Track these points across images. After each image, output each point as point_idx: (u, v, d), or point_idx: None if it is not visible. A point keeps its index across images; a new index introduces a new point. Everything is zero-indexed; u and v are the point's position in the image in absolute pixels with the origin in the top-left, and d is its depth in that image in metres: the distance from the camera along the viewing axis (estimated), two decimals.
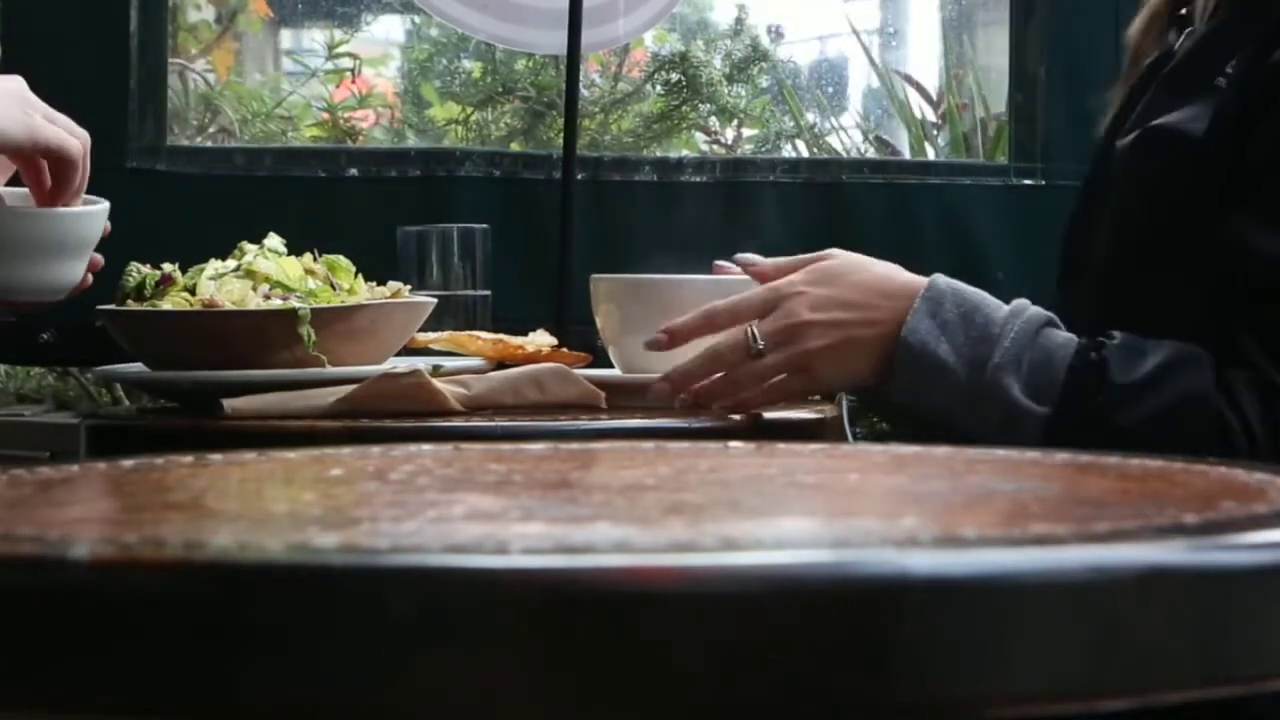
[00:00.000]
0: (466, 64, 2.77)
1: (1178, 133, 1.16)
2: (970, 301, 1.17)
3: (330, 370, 1.33)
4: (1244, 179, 1.12)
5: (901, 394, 1.18)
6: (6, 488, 0.69)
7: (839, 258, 1.22)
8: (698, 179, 2.44)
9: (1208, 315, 1.13)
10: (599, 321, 1.48)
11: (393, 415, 1.27)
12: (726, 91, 2.73)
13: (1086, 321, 1.17)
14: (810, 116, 2.90)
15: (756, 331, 1.20)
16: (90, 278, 1.33)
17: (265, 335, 1.33)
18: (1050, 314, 1.16)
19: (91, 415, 1.62)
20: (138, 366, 1.43)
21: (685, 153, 2.75)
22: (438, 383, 1.29)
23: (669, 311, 1.29)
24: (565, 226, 1.99)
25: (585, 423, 1.26)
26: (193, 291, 1.38)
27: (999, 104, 2.49)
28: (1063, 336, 1.15)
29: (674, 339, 1.24)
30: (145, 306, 1.38)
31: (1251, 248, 1.11)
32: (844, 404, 1.42)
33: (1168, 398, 1.10)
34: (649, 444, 0.87)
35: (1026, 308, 1.17)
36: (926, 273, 1.33)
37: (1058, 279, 1.31)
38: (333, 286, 1.40)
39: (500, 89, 2.72)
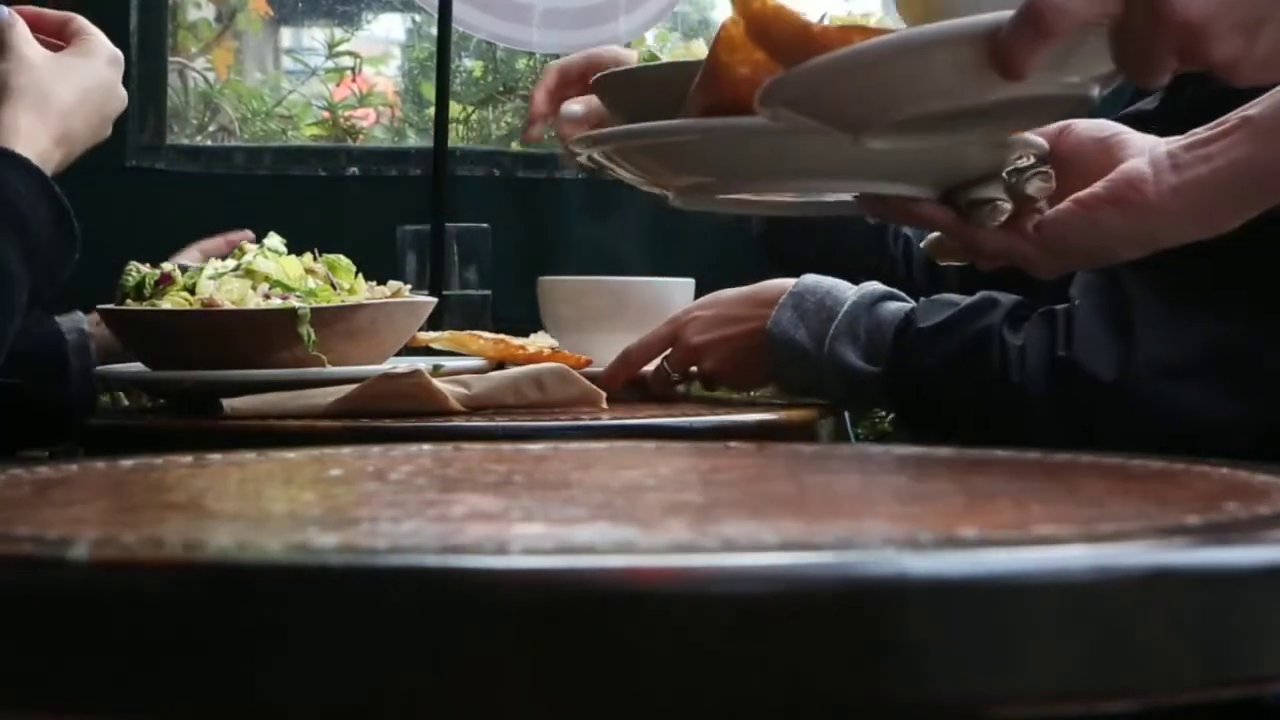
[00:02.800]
0: (467, 63, 2.77)
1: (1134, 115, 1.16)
2: (828, 290, 1.29)
3: (330, 370, 1.33)
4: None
5: (778, 382, 1.34)
6: (5, 488, 0.69)
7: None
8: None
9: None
10: (545, 320, 1.60)
11: (393, 415, 1.27)
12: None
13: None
14: None
15: (667, 365, 1.39)
16: None
17: (265, 335, 1.33)
18: (892, 289, 1.28)
19: (91, 415, 1.62)
20: (137, 366, 1.43)
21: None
22: (438, 383, 1.29)
23: (610, 311, 1.51)
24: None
25: (585, 423, 1.26)
26: (192, 291, 1.38)
27: None
28: (897, 305, 1.25)
29: (609, 383, 1.38)
30: (145, 306, 1.38)
31: None
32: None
33: (960, 336, 1.19)
34: (650, 444, 0.87)
35: (870, 285, 1.28)
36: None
37: None
38: (333, 286, 1.40)
39: (501, 88, 2.72)
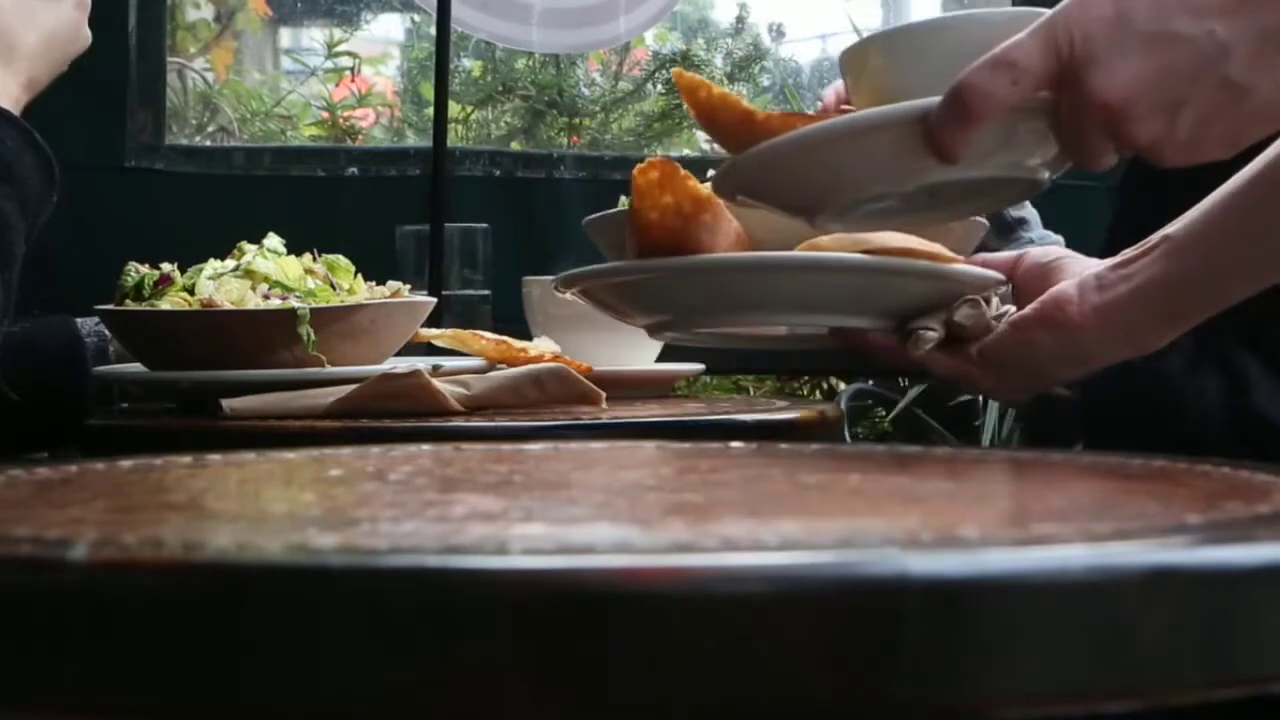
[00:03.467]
0: (466, 63, 2.78)
1: None
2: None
3: (330, 370, 1.33)
4: None
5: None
6: (5, 488, 0.69)
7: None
8: (698, 178, 2.44)
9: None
10: (532, 321, 1.61)
11: (392, 415, 1.27)
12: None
13: None
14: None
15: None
16: None
17: (264, 335, 1.33)
18: None
19: (90, 415, 1.62)
20: (137, 366, 1.43)
21: (686, 152, 2.75)
22: (437, 383, 1.29)
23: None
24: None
25: (585, 423, 1.26)
26: (191, 291, 1.38)
27: None
28: None
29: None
30: (144, 306, 1.38)
31: None
32: (844, 405, 1.42)
33: (1139, 378, 1.11)
34: (649, 444, 0.87)
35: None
36: None
37: None
38: (332, 286, 1.40)
39: (500, 88, 2.72)
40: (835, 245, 1.07)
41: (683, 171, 1.08)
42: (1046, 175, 0.90)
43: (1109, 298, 0.97)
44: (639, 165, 1.10)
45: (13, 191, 1.18)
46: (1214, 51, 0.74)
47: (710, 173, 1.07)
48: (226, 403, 1.28)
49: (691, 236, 1.08)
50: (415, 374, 1.27)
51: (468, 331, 1.49)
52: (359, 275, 1.44)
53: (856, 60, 1.00)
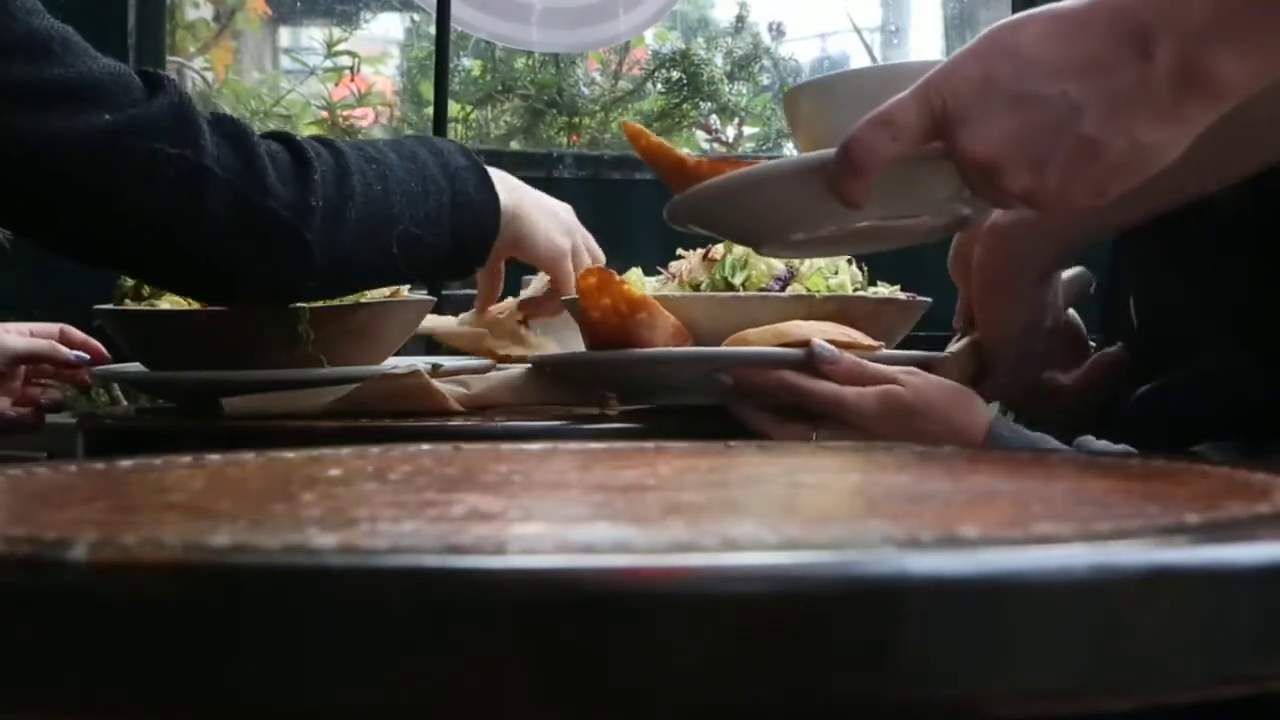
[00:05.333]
0: (466, 62, 2.78)
1: None
2: (1033, 441, 1.16)
3: (330, 370, 1.33)
4: None
5: None
6: (4, 488, 0.69)
7: (911, 392, 1.20)
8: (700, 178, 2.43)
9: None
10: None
11: (392, 415, 1.27)
12: (727, 89, 2.73)
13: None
14: None
15: (816, 436, 1.23)
16: None
17: (264, 335, 1.33)
18: (1125, 446, 1.13)
19: (89, 415, 1.62)
20: (136, 366, 1.43)
21: (686, 150, 2.75)
22: (437, 383, 1.29)
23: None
24: None
25: (585, 423, 1.26)
26: None
27: None
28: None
29: (740, 387, 1.25)
30: (143, 306, 1.38)
31: None
32: None
33: None
34: (649, 444, 0.87)
35: (1095, 442, 1.15)
36: (925, 272, 1.33)
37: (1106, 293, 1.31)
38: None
39: (500, 87, 2.72)
40: (759, 337, 1.25)
41: (619, 277, 1.29)
42: (969, 211, 0.95)
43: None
44: (581, 271, 1.32)
45: (446, 173, 1.32)
46: (1070, 111, 0.78)
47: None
48: (227, 402, 1.28)
49: (631, 332, 1.27)
50: (415, 374, 1.28)
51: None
52: None
53: (792, 104, 1.09)
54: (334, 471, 0.76)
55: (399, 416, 1.26)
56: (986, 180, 0.82)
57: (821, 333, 1.23)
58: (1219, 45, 0.76)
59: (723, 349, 1.26)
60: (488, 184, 1.37)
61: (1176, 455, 0.75)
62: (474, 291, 1.77)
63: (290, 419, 1.27)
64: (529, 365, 1.40)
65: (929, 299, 1.37)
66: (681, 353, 1.27)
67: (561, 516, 0.58)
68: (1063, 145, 0.79)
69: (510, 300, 1.56)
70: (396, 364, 1.36)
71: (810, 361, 1.21)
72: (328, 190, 1.23)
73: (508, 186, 1.42)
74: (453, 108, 2.46)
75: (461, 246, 1.35)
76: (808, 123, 1.07)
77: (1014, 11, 0.88)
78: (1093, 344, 1.34)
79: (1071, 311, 1.32)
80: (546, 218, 1.48)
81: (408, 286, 1.49)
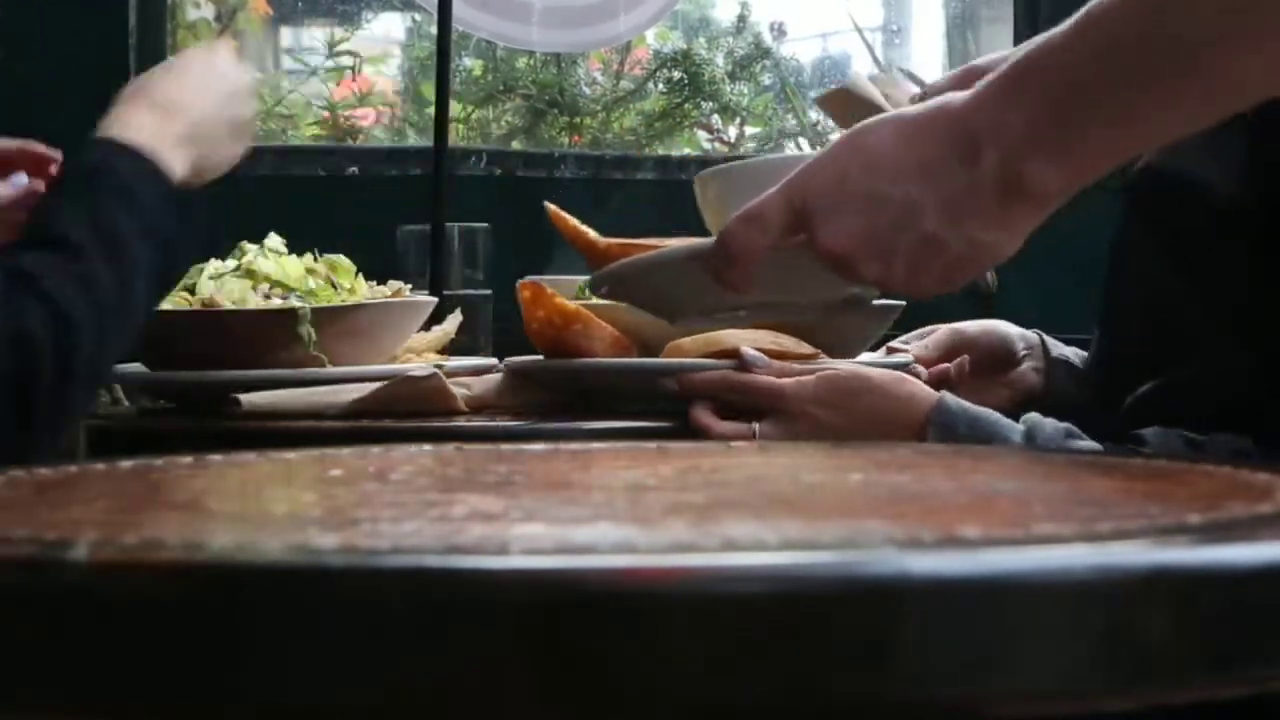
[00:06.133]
0: (467, 62, 2.77)
1: (1189, 179, 1.16)
2: (980, 416, 1.17)
3: (330, 369, 1.33)
4: None
5: None
6: (5, 489, 0.69)
7: (844, 373, 1.23)
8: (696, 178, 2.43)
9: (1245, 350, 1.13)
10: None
11: (397, 415, 1.27)
12: (729, 89, 2.73)
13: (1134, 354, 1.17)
14: (813, 114, 2.90)
15: (758, 429, 1.24)
16: None
17: (265, 335, 1.33)
18: (1069, 425, 1.15)
19: (91, 416, 1.62)
20: (136, 366, 1.43)
21: (687, 151, 2.75)
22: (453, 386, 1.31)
23: None
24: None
25: (586, 423, 1.26)
26: (192, 291, 1.38)
27: None
28: (1086, 445, 1.13)
29: (682, 388, 1.28)
30: None
31: None
32: None
33: None
34: (650, 444, 0.87)
35: (1043, 420, 1.15)
36: None
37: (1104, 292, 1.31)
38: (333, 286, 1.40)
39: (501, 87, 2.72)
40: (693, 346, 1.31)
41: (549, 291, 1.37)
42: (859, 289, 1.01)
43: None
44: (520, 282, 1.41)
45: (136, 216, 1.15)
46: (912, 210, 0.85)
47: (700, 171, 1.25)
48: (245, 398, 1.28)
49: (569, 342, 1.35)
50: (434, 376, 1.28)
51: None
52: (359, 275, 1.44)
53: (700, 189, 1.24)
54: (335, 472, 0.76)
55: (402, 417, 1.26)
56: (844, 269, 0.88)
57: (753, 341, 1.27)
58: (1034, 156, 0.82)
59: (663, 360, 1.33)
60: (185, 217, 1.24)
61: (1128, 449, 0.75)
62: (474, 292, 1.77)
63: (304, 418, 1.27)
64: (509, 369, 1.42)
65: (901, 302, 1.37)
66: (622, 364, 1.34)
67: (562, 517, 0.58)
68: (907, 241, 0.86)
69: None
70: (409, 367, 1.36)
71: (742, 369, 1.25)
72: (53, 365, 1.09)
73: (186, 146, 1.24)
74: (454, 108, 2.46)
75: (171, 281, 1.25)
76: (713, 206, 1.20)
77: (1015, 14, 0.89)
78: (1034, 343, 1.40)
79: (997, 324, 1.39)
80: (223, 138, 1.29)
81: (409, 286, 1.49)
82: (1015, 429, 1.15)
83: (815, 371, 1.23)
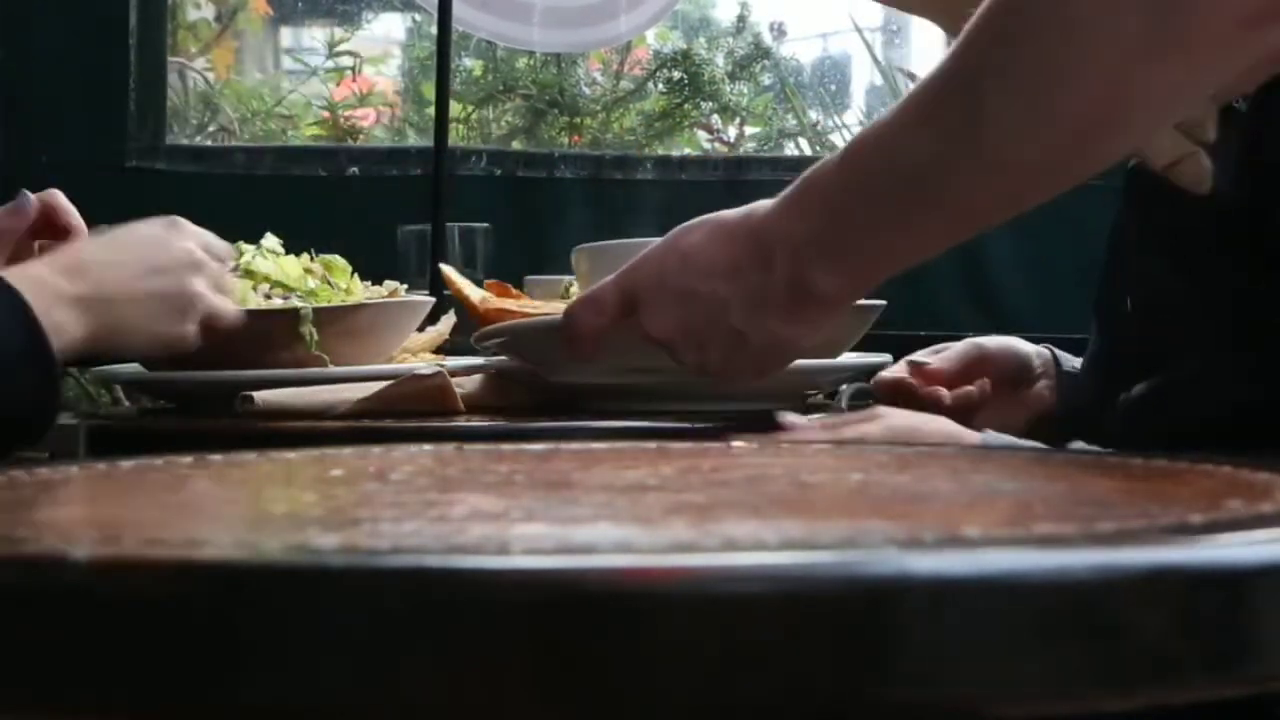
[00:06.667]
0: (467, 62, 2.77)
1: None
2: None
3: (331, 370, 1.33)
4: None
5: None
6: (5, 488, 0.69)
7: (900, 416, 1.22)
8: (700, 177, 2.44)
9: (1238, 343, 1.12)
10: None
11: (397, 415, 1.27)
12: (729, 89, 2.73)
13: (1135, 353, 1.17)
14: (813, 114, 2.91)
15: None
16: None
17: (266, 335, 1.33)
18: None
19: (91, 416, 1.62)
20: (137, 367, 1.43)
21: (687, 151, 2.75)
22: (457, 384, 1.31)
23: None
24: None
25: (586, 423, 1.26)
26: None
27: None
28: None
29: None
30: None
31: None
32: (844, 405, 1.43)
33: None
34: (651, 444, 0.87)
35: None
36: (926, 274, 1.34)
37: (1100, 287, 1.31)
38: (330, 286, 1.40)
39: (501, 87, 2.72)
40: None
41: (502, 307, 1.39)
42: None
43: None
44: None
45: None
46: (719, 306, 0.93)
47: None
48: (259, 395, 1.28)
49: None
50: (439, 375, 1.28)
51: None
52: (355, 275, 1.44)
53: (576, 262, 1.37)
54: (335, 471, 0.76)
55: (402, 417, 1.26)
56: (670, 351, 0.97)
57: None
58: (816, 263, 0.89)
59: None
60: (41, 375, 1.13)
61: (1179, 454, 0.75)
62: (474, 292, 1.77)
63: (314, 417, 1.27)
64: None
65: (881, 301, 1.37)
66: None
67: (563, 517, 0.58)
68: (717, 333, 0.94)
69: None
70: (416, 366, 1.36)
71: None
72: None
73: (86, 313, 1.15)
74: (454, 108, 2.46)
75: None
76: (584, 279, 1.30)
77: None
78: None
79: (1014, 342, 1.40)
80: (142, 312, 1.21)
81: (405, 286, 1.49)
82: None
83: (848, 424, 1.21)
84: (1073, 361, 1.45)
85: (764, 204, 0.93)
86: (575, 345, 1.01)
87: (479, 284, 1.79)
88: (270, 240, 1.44)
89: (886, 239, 0.89)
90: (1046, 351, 1.47)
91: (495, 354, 1.29)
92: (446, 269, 1.46)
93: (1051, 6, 0.79)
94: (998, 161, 0.82)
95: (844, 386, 1.43)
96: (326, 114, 2.78)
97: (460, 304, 1.59)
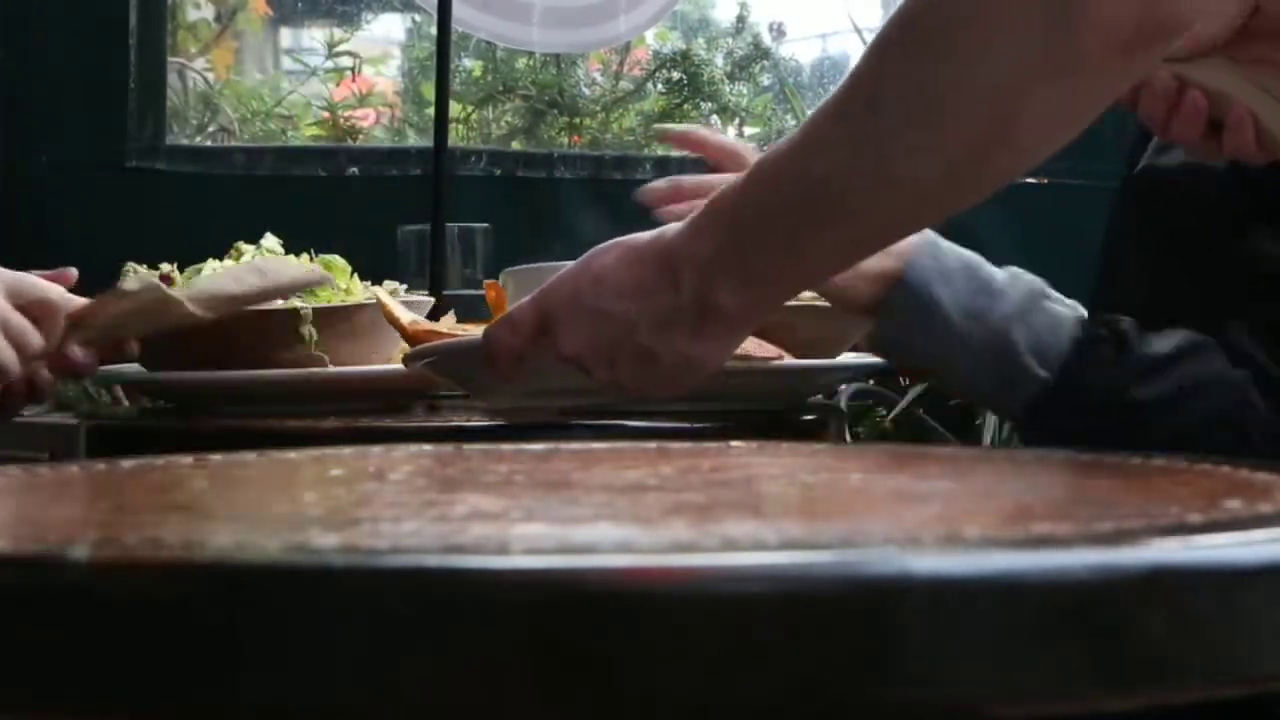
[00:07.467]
0: (467, 62, 2.77)
1: (1186, 181, 1.16)
2: (969, 255, 1.17)
3: (331, 370, 1.33)
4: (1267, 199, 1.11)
5: (890, 330, 1.16)
6: (4, 488, 0.69)
7: None
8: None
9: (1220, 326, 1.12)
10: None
11: (138, 333, 1.24)
12: (728, 90, 2.73)
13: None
14: None
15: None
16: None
17: (266, 335, 1.33)
18: (1043, 283, 1.16)
19: (91, 416, 1.62)
20: (136, 367, 1.43)
21: (687, 151, 2.75)
22: (173, 292, 1.26)
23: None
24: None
25: (587, 423, 1.26)
26: None
27: None
28: (1064, 307, 1.14)
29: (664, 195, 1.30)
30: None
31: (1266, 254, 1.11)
32: (844, 404, 1.43)
33: (1189, 376, 1.09)
34: (651, 444, 0.87)
35: (1023, 273, 1.16)
36: None
37: (1097, 277, 1.31)
38: (330, 286, 1.40)
39: (501, 87, 2.72)
40: None
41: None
42: None
43: None
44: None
45: None
46: (628, 325, 0.95)
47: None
48: (179, 292, 1.26)
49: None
50: (154, 289, 1.24)
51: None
52: (355, 275, 1.44)
53: (504, 282, 1.38)
54: (335, 471, 0.77)
55: (140, 333, 1.22)
56: (583, 368, 0.99)
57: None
58: (722, 282, 0.91)
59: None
60: None
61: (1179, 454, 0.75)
62: (474, 292, 1.78)
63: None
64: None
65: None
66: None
67: (563, 516, 0.58)
68: (626, 351, 0.96)
69: None
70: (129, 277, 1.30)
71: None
72: None
73: None
74: (454, 108, 2.46)
75: None
76: (510, 302, 1.29)
77: None
78: None
79: None
80: None
81: (404, 287, 1.49)
82: (993, 268, 1.15)
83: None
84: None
85: (675, 225, 0.96)
86: (495, 365, 1.03)
87: (478, 284, 1.80)
88: (270, 240, 1.44)
89: (790, 257, 0.91)
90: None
91: (426, 372, 1.26)
92: (379, 291, 1.38)
93: (945, 27, 0.81)
94: (894, 178, 0.84)
95: (843, 386, 1.43)
96: (326, 114, 2.78)
97: (461, 304, 1.59)
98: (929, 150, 0.83)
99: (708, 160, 1.32)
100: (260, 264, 1.32)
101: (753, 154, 1.27)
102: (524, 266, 1.43)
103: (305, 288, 1.34)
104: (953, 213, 0.88)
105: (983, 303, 1.12)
